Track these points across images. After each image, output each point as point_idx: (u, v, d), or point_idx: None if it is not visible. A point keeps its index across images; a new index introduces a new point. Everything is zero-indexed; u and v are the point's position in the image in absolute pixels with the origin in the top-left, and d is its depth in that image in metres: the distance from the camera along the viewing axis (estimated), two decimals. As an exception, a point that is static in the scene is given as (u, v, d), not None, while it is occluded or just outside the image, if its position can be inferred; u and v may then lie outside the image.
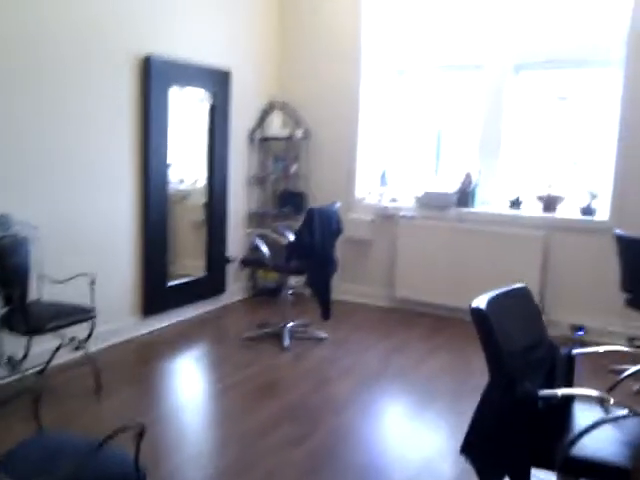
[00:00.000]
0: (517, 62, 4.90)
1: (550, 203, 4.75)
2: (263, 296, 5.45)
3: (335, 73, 5.39)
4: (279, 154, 5.56)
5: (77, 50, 3.75)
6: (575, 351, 2.22)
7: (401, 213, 5.19)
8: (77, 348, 3.40)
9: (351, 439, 3.02)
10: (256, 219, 5.50)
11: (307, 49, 5.51)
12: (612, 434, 1.97)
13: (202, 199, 4.98)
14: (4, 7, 3.34)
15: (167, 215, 4.53)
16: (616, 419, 1.81)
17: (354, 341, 4.46)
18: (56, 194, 3.71)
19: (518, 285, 2.25)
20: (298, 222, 4.91)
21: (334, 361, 4.05)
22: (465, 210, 4.95)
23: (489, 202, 5.04)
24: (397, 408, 3.55)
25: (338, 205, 4.46)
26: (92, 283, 3.41)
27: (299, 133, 5.42)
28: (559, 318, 4.52)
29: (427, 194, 5.10)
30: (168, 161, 4.46)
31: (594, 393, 1.90)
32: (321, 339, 4.42)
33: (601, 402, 1.99)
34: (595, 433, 1.89)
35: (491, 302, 1.99)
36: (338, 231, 4.34)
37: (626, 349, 2.32)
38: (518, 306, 2.19)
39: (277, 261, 4.28)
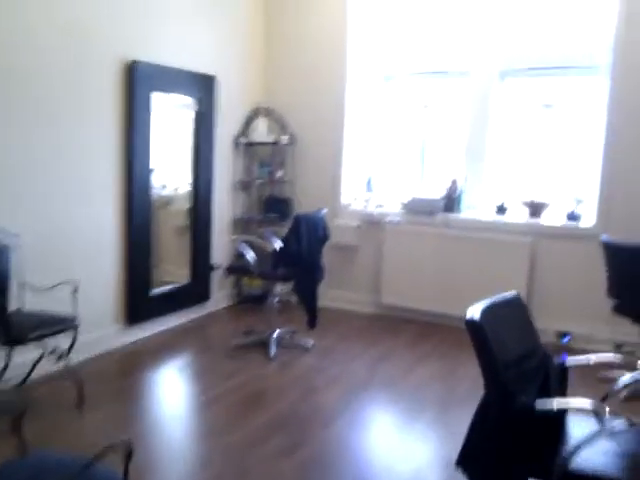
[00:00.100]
0: (502, 69, 4.91)
1: (536, 209, 4.76)
2: (248, 303, 5.39)
3: (321, 79, 5.37)
4: (264, 159, 5.52)
5: (60, 55, 3.67)
6: (568, 361, 2.20)
7: (387, 219, 5.17)
8: (59, 359, 3.31)
9: (340, 450, 2.97)
10: (241, 225, 5.44)
11: (293, 55, 5.48)
12: (607, 445, 1.95)
13: (186, 205, 4.92)
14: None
15: (151, 221, 4.46)
16: (614, 431, 1.78)
17: (341, 349, 4.42)
18: (38, 200, 3.63)
19: (511, 293, 2.23)
20: (284, 228, 4.87)
21: (321, 370, 4.00)
22: (451, 216, 4.95)
23: (475, 208, 5.04)
24: (386, 418, 3.51)
25: (325, 211, 4.42)
26: (75, 291, 3.34)
27: (284, 139, 5.38)
28: (545, 325, 4.50)
29: (413, 200, 5.09)
30: (151, 167, 4.39)
31: (589, 405, 1.88)
32: (308, 347, 4.37)
33: (596, 413, 1.97)
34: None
35: (485, 312, 1.96)
36: (325, 238, 4.30)
37: (618, 359, 2.31)
38: (511, 315, 2.17)
39: (263, 268, 4.23)
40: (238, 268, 4.64)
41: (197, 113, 4.82)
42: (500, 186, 5.05)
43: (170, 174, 4.86)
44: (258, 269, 4.22)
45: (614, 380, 3.58)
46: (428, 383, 3.82)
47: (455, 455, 2.88)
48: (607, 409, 1.80)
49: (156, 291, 4.58)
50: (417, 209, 5.06)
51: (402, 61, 5.30)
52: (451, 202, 4.97)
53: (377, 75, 5.44)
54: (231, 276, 5.22)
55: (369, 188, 5.43)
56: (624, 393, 3.48)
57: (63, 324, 3.22)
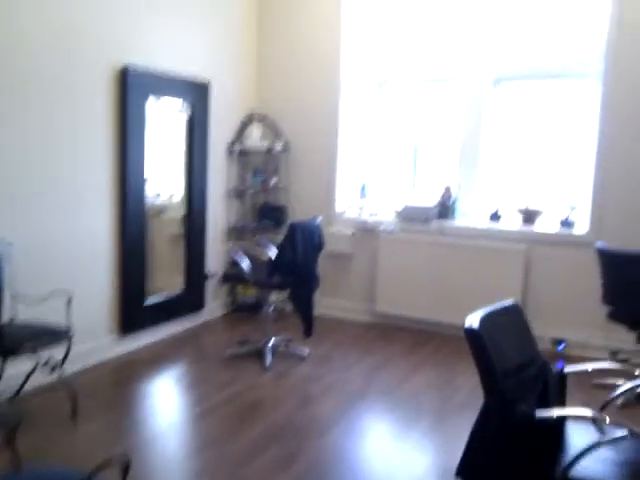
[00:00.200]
0: (496, 75, 4.93)
1: (529, 216, 4.77)
2: (243, 312, 5.36)
3: (315, 85, 5.37)
4: (258, 167, 5.51)
5: (52, 61, 3.65)
6: (567, 369, 2.20)
7: (381, 227, 5.17)
8: (53, 370, 3.28)
9: (337, 460, 2.95)
10: (235, 233, 5.42)
11: (286, 61, 5.48)
12: (607, 454, 1.95)
13: (180, 213, 4.89)
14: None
15: (145, 230, 4.43)
16: (614, 441, 1.78)
17: (337, 358, 4.40)
18: (31, 209, 3.60)
19: (509, 301, 2.23)
20: (278, 236, 4.86)
21: (317, 379, 3.98)
22: (445, 224, 4.95)
23: (469, 215, 5.05)
24: (383, 427, 3.49)
25: (320, 219, 4.41)
26: (68, 302, 3.30)
27: (278, 146, 5.38)
28: (540, 332, 4.46)
29: (407, 207, 5.09)
30: (146, 175, 4.37)
31: (589, 413, 1.87)
32: (303, 356, 4.35)
33: (596, 422, 1.97)
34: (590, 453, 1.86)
35: (484, 320, 1.96)
36: (320, 246, 4.29)
37: (616, 366, 2.31)
38: (510, 323, 2.17)
39: (258, 276, 4.21)
40: (233, 276, 4.62)
41: (190, 119, 4.81)
42: (494, 193, 5.06)
43: (164, 182, 4.84)
44: (253, 277, 4.20)
45: (610, 386, 3.58)
46: (424, 391, 3.81)
47: (452, 464, 2.87)
48: (608, 418, 1.79)
49: (150, 300, 4.55)
50: (411, 217, 5.06)
51: (396, 68, 5.32)
52: (445, 209, 4.98)
53: (371, 82, 5.45)
54: (226, 284, 5.20)
55: (363, 195, 5.43)
56: (621, 400, 3.49)
57: (57, 335, 3.19)
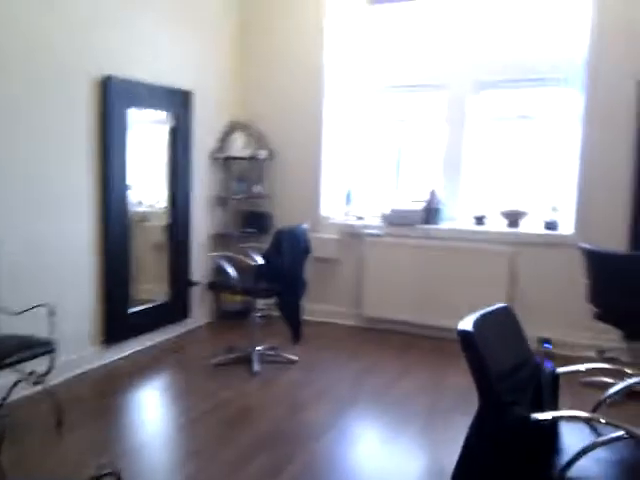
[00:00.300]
0: (478, 81, 4.95)
1: (514, 218, 4.80)
2: (229, 319, 5.32)
3: (298, 93, 5.36)
4: (242, 174, 5.47)
5: (34, 71, 3.59)
6: (559, 370, 2.20)
7: (367, 231, 5.16)
8: (36, 383, 3.20)
9: (329, 467, 2.92)
10: (220, 241, 5.38)
11: (270, 69, 5.47)
12: (603, 454, 1.94)
13: (163, 221, 4.84)
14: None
15: (128, 238, 4.38)
16: (611, 441, 1.77)
17: (325, 363, 4.37)
18: (12, 219, 3.53)
19: (501, 305, 2.22)
20: (263, 243, 4.83)
21: (306, 385, 3.95)
22: (432, 227, 4.96)
23: (454, 219, 5.06)
24: (373, 433, 3.47)
25: (306, 226, 4.39)
26: (52, 314, 3.23)
27: (262, 153, 5.35)
28: (527, 333, 4.51)
29: (394, 211, 5.09)
30: (128, 183, 4.32)
31: (585, 415, 1.87)
32: (292, 362, 4.31)
33: (590, 421, 1.96)
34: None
35: (477, 323, 1.94)
36: (307, 251, 4.27)
37: (608, 366, 2.32)
38: (502, 326, 2.16)
39: (245, 284, 4.17)
40: (220, 284, 4.57)
41: (174, 128, 4.77)
42: (478, 197, 5.08)
43: (147, 190, 4.79)
44: (240, 285, 4.16)
45: (598, 385, 3.59)
46: (413, 395, 3.80)
47: (444, 468, 2.87)
48: (603, 420, 1.79)
49: (134, 309, 4.48)
50: (397, 221, 5.06)
51: (378, 75, 5.32)
52: (430, 213, 4.99)
53: (354, 89, 5.45)
54: (212, 292, 5.15)
55: (348, 200, 5.42)
56: (609, 399, 3.49)
57: (40, 348, 3.11)
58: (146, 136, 4.68)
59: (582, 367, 2.27)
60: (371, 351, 4.65)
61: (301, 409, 3.59)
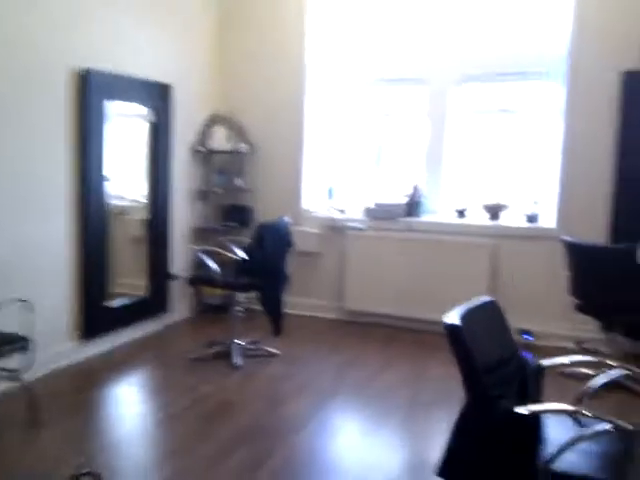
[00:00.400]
0: (460, 74, 4.94)
1: (495, 211, 4.81)
2: (210, 313, 5.26)
3: (280, 86, 5.31)
4: (223, 168, 5.41)
5: (10, 64, 3.49)
6: (544, 363, 2.20)
7: (350, 224, 5.14)
8: (12, 379, 3.13)
9: (311, 460, 2.90)
10: (200, 234, 5.31)
11: (251, 62, 5.40)
12: (587, 446, 1.94)
13: (143, 214, 4.76)
14: None
15: (106, 232, 4.30)
16: (598, 434, 1.77)
17: (306, 356, 4.35)
18: (-15, 212, 3.44)
19: (486, 298, 2.21)
20: (244, 237, 4.78)
21: (288, 378, 3.92)
22: (414, 220, 4.95)
23: (436, 212, 5.06)
24: (355, 425, 3.45)
25: (288, 219, 4.35)
26: (28, 309, 3.15)
27: (243, 146, 5.29)
28: (509, 324, 4.56)
29: (377, 205, 5.07)
30: (107, 176, 4.24)
31: (570, 408, 1.86)
32: (273, 355, 4.28)
33: (575, 414, 1.96)
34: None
35: (463, 317, 1.93)
36: (289, 245, 4.23)
37: (593, 359, 2.33)
38: (488, 319, 2.15)
39: (227, 278, 4.12)
40: (201, 278, 4.50)
41: (154, 122, 4.69)
42: (460, 190, 5.08)
43: (127, 183, 4.71)
44: (222, 279, 4.11)
45: (577, 376, 3.62)
46: (395, 388, 3.79)
47: (424, 460, 2.87)
48: (589, 413, 1.79)
49: (113, 304, 4.41)
50: (380, 215, 5.05)
51: (360, 69, 5.28)
52: (413, 207, 4.98)
53: (337, 83, 5.41)
54: (193, 286, 5.08)
55: (330, 194, 5.39)
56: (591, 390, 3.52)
57: (16, 344, 3.05)
58: (127, 130, 4.60)
59: (566, 360, 2.27)
60: (353, 344, 4.64)
61: (282, 403, 3.57)
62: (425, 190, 5.05)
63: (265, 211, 5.27)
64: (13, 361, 3.14)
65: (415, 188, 5.00)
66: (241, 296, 4.51)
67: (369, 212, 5.11)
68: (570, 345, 4.37)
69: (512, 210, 4.81)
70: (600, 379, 2.09)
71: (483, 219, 4.85)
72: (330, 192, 5.41)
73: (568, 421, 2.10)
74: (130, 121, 4.69)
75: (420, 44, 5.03)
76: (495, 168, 5.02)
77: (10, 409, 3.29)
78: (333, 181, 5.45)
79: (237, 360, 4.09)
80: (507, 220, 4.79)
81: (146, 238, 4.78)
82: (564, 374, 3.68)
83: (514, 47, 4.73)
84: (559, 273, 4.04)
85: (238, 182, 5.35)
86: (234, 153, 5.32)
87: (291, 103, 5.29)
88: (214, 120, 5.33)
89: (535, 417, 2.05)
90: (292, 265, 4.53)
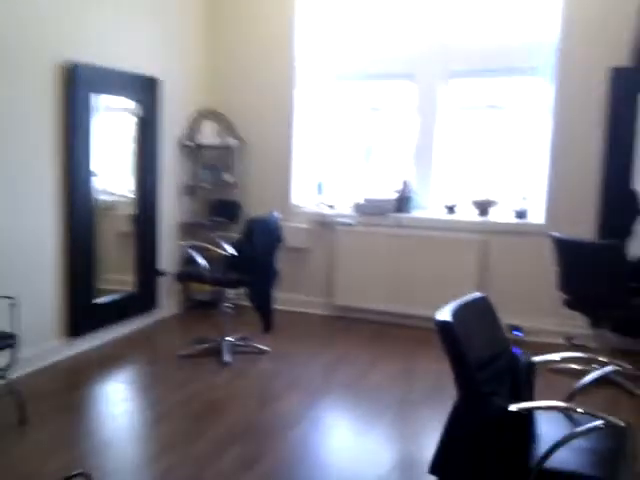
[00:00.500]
0: (448, 70, 4.92)
1: (484, 207, 4.81)
2: (199, 309, 5.23)
3: (268, 81, 5.28)
4: (212, 163, 5.37)
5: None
6: (536, 359, 2.20)
7: (339, 220, 5.12)
8: (-1, 377, 3.09)
9: (303, 458, 2.89)
10: (188, 229, 5.27)
11: (239, 56, 5.36)
12: (580, 442, 1.94)
13: (131, 210, 4.71)
14: None
15: (94, 228, 4.25)
16: (590, 431, 1.77)
17: (297, 353, 4.33)
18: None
19: (478, 294, 2.20)
20: (232, 232, 4.75)
21: (278, 375, 3.90)
22: (403, 216, 4.94)
23: (425, 208, 5.06)
24: (347, 423, 3.45)
25: (277, 214, 4.32)
26: (14, 306, 3.11)
27: (232, 141, 5.26)
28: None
29: (367, 201, 5.06)
30: (94, 171, 4.19)
31: (562, 405, 1.86)
32: (262, 352, 4.26)
33: (567, 411, 1.96)
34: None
35: (455, 313, 1.92)
36: (279, 240, 4.21)
37: (584, 355, 2.33)
38: (480, 316, 2.14)
39: (215, 274, 4.09)
40: (189, 274, 4.46)
41: (141, 116, 4.64)
42: (449, 186, 5.08)
43: (114, 178, 4.65)
44: (211, 275, 4.08)
45: (567, 371, 3.65)
46: (386, 384, 3.79)
47: (417, 457, 2.88)
48: (581, 410, 1.79)
49: (100, 300, 4.37)
50: (370, 210, 5.03)
51: (348, 64, 5.26)
52: (403, 202, 4.97)
53: (325, 78, 5.37)
54: (181, 282, 5.04)
55: (320, 189, 5.37)
56: (579, 386, 3.54)
57: (1, 341, 3.00)
58: (114, 124, 4.55)
59: (557, 356, 2.27)
60: (343, 340, 4.63)
61: (273, 399, 3.55)
62: (415, 186, 5.05)
63: (254, 206, 5.23)
64: (-1, 359, 3.10)
65: (405, 184, 5.00)
66: (230, 292, 4.48)
67: (359, 208, 5.09)
68: (559, 341, 4.40)
69: (501, 206, 4.82)
70: (591, 376, 2.09)
71: (472, 215, 4.85)
72: (319, 187, 5.38)
73: (560, 417, 2.10)
74: (117, 115, 4.64)
75: (408, 39, 5.00)
76: (484, 164, 5.02)
77: (-4, 408, 3.25)
78: (322, 176, 5.43)
79: (226, 357, 4.07)
80: (496, 216, 4.80)
81: (134, 233, 4.73)
82: (554, 370, 3.70)
83: (502, 43, 4.72)
84: (548, 269, 4.05)
85: (227, 177, 5.31)
86: (222, 148, 5.28)
87: (280, 97, 5.25)
88: (202, 114, 5.29)
89: (528, 414, 2.05)
90: (281, 261, 4.51)
